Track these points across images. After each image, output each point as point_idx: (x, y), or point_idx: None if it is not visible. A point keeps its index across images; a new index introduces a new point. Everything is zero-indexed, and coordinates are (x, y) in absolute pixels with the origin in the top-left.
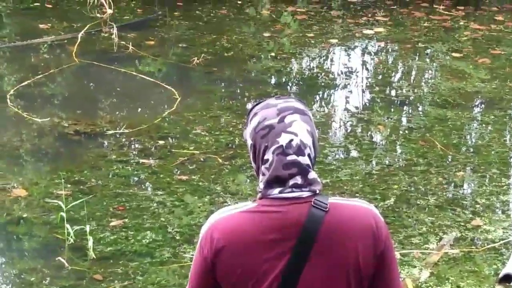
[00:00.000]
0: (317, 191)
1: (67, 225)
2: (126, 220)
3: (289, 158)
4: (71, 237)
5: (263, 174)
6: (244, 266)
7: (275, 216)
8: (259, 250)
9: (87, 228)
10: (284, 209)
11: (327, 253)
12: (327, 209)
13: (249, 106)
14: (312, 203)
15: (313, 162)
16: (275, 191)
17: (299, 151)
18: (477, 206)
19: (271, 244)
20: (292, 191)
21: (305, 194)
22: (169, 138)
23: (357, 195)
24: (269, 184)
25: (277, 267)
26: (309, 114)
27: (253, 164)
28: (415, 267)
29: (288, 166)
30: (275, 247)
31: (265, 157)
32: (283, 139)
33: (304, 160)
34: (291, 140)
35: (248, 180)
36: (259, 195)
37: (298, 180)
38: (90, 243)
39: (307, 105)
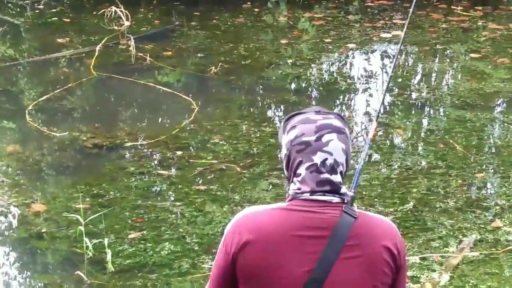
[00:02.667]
0: (345, 200)
1: (86, 239)
2: (145, 232)
3: (323, 176)
4: (90, 250)
5: (294, 184)
6: (270, 261)
7: (307, 215)
8: (288, 245)
9: (106, 241)
10: (316, 210)
11: (356, 254)
12: (357, 215)
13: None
14: (343, 209)
15: (343, 177)
16: (306, 194)
17: (332, 170)
18: (497, 207)
19: (301, 240)
20: (324, 195)
21: (335, 200)
22: (188, 148)
23: (376, 200)
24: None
25: (306, 264)
26: (346, 132)
27: (285, 172)
28: (435, 270)
29: (321, 183)
30: (304, 244)
31: (298, 171)
32: (318, 158)
33: (336, 178)
34: (326, 159)
35: (267, 189)
36: (289, 197)
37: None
38: (109, 256)
39: (345, 121)
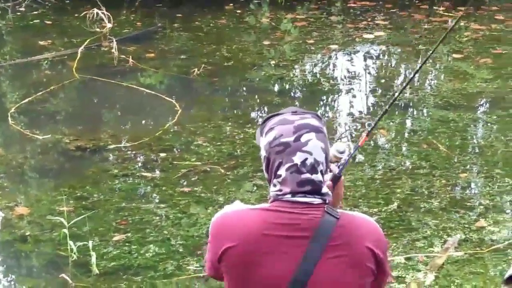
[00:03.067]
0: (327, 201)
1: (70, 242)
2: (129, 234)
3: (303, 176)
4: (74, 253)
5: (275, 185)
6: (251, 262)
7: (288, 216)
8: (271, 245)
9: (90, 243)
10: (297, 211)
11: (339, 254)
12: (338, 216)
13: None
14: (325, 209)
15: (323, 175)
16: (288, 196)
17: (313, 169)
18: (481, 207)
19: (282, 241)
20: (305, 196)
21: (317, 201)
22: (171, 150)
23: (360, 200)
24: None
25: (288, 265)
26: (324, 131)
27: (265, 174)
28: (420, 270)
29: (302, 183)
30: (286, 245)
31: (279, 173)
32: (298, 158)
33: (317, 177)
34: (306, 159)
35: (251, 190)
36: (271, 198)
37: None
38: (94, 259)
39: (322, 120)
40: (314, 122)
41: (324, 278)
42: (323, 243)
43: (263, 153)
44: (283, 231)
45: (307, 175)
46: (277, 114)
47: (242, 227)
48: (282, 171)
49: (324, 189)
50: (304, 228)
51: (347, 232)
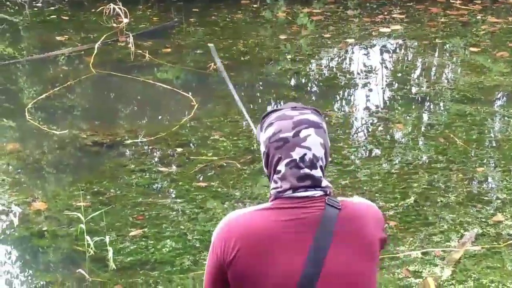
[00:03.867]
0: (328, 192)
1: (87, 237)
2: (146, 229)
3: (302, 171)
4: (91, 248)
5: (275, 182)
6: (261, 264)
7: (292, 212)
8: (278, 244)
9: (107, 239)
10: (300, 205)
11: (346, 242)
12: (340, 206)
13: (269, 109)
14: (326, 201)
15: (323, 171)
16: (289, 191)
17: (312, 165)
18: (498, 201)
19: (289, 238)
20: (306, 191)
21: (318, 193)
22: (188, 145)
23: (377, 195)
24: (284, 189)
25: (297, 262)
26: (323, 126)
27: (265, 169)
28: (436, 265)
29: (302, 178)
30: (294, 240)
31: (278, 168)
32: (297, 154)
33: (317, 172)
34: (305, 154)
35: (268, 185)
36: (272, 196)
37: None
38: (110, 254)
39: (321, 115)
40: (313, 117)
41: (335, 268)
42: (329, 235)
43: (262, 148)
44: (288, 228)
45: (306, 170)
46: (277, 110)
47: (250, 229)
48: (281, 167)
49: (324, 183)
50: (308, 222)
51: (351, 221)
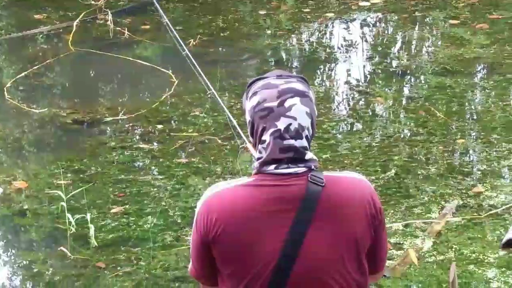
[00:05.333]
0: (312, 167)
1: (68, 215)
2: (127, 206)
3: (286, 142)
4: (73, 226)
5: (260, 152)
6: (243, 241)
7: (274, 189)
8: (259, 222)
9: (88, 216)
10: (282, 183)
11: (327, 221)
12: (324, 183)
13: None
14: (309, 179)
15: (310, 141)
16: (271, 167)
17: (297, 135)
18: (479, 173)
19: (271, 215)
20: (288, 167)
21: (301, 170)
22: (168, 122)
23: (357, 168)
24: (265, 162)
25: (278, 240)
26: (309, 94)
27: (250, 138)
28: (417, 237)
29: (284, 150)
30: (275, 218)
31: (263, 138)
32: (282, 123)
33: (301, 143)
34: (290, 124)
35: (249, 160)
36: (254, 170)
37: (295, 158)
38: (92, 231)
39: (308, 83)
40: (299, 86)
41: (315, 248)
42: (310, 214)
43: (247, 117)
44: (269, 206)
45: (291, 141)
46: (262, 78)
47: (232, 205)
48: (266, 136)
49: (308, 155)
50: (289, 201)
51: (335, 197)
